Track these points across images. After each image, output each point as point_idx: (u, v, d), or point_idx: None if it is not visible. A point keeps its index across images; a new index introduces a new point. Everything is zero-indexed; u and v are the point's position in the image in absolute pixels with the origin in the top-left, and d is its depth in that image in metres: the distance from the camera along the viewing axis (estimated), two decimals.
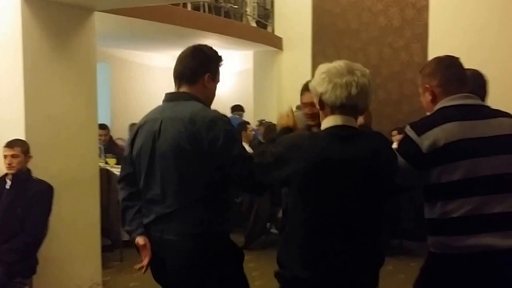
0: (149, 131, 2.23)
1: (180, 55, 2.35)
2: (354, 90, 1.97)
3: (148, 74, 9.49)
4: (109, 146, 6.23)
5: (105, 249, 4.66)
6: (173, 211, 2.18)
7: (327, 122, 2.00)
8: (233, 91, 9.42)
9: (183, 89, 2.29)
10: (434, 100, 2.19)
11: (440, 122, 2.08)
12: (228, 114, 7.84)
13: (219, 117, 2.20)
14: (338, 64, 2.02)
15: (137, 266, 2.24)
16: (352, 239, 1.95)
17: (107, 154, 5.70)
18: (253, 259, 5.25)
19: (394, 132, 6.53)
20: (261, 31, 8.98)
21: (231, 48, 8.78)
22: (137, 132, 2.30)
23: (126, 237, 5.48)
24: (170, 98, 2.31)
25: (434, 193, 2.10)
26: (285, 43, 9.25)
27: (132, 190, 2.32)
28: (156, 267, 2.26)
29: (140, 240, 2.22)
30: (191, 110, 2.19)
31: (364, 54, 8.45)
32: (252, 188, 2.33)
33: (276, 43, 9.10)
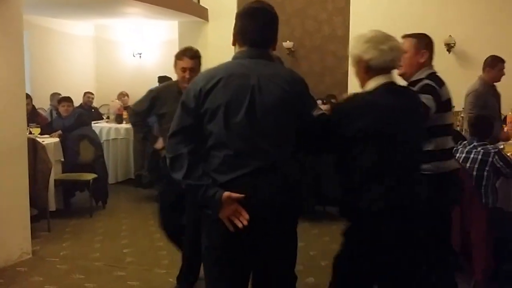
0: (241, 85, 2.19)
1: (253, 14, 2.31)
2: (396, 54, 2.45)
3: (69, 43, 9.22)
4: (32, 116, 6.08)
5: (32, 219, 4.61)
6: (273, 163, 2.19)
7: (377, 81, 2.41)
8: (158, 61, 9.32)
9: (261, 50, 2.31)
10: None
11: (442, 83, 3.09)
12: (155, 84, 7.81)
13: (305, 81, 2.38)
14: (376, 33, 2.47)
15: (242, 220, 2.12)
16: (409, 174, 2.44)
17: (30, 124, 5.56)
18: None
19: (319, 102, 6.80)
20: (187, 1, 8.93)
21: (156, 18, 8.69)
22: (215, 85, 2.19)
23: (53, 207, 5.48)
24: (254, 55, 2.28)
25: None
26: (211, 14, 9.25)
27: (195, 144, 2.21)
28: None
29: (229, 193, 2.13)
30: (287, 71, 2.39)
31: (288, 26, 8.63)
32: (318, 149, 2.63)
33: (201, 13, 9.08)
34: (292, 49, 8.61)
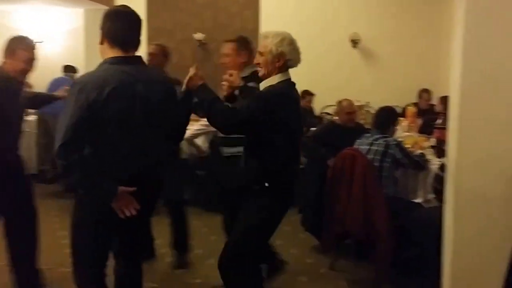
0: (131, 93, 2.42)
1: (125, 17, 2.51)
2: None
3: None
4: None
5: None
6: (159, 161, 2.63)
7: (284, 76, 2.83)
8: (62, 51, 8.92)
9: (132, 53, 2.52)
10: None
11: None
12: (59, 74, 7.48)
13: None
14: (288, 33, 2.87)
15: (132, 211, 2.45)
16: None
17: None
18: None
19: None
20: None
21: (59, 5, 8.30)
22: (108, 95, 2.34)
23: None
24: (133, 61, 2.51)
25: None
26: (119, 2, 8.98)
27: (85, 149, 2.39)
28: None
29: (124, 188, 2.42)
30: (160, 73, 2.85)
31: (199, 18, 8.56)
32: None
33: (107, 1, 8.77)
34: (203, 41, 8.56)
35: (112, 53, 2.47)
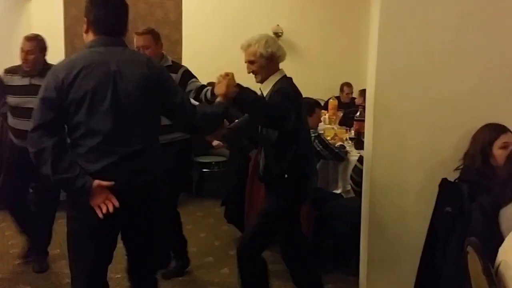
0: (103, 72, 2.23)
1: (111, 4, 2.38)
2: None
3: None
4: None
5: None
6: (139, 149, 2.30)
7: (281, 73, 3.03)
8: None
9: (116, 37, 2.36)
10: None
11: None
12: None
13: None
14: (266, 33, 3.05)
15: (104, 209, 2.19)
16: None
17: None
18: None
19: None
20: None
21: None
22: (76, 75, 2.20)
23: None
24: (110, 43, 2.33)
25: None
26: None
27: (58, 136, 2.21)
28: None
29: (99, 182, 2.20)
30: (145, 56, 2.53)
31: None
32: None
33: None
34: None
35: (90, 38, 2.37)
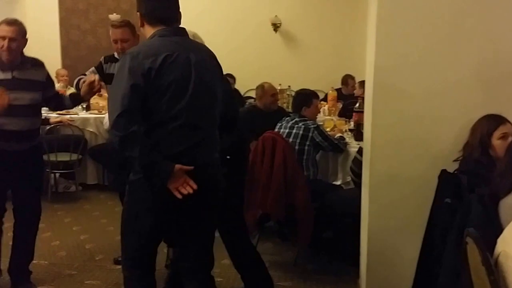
0: (185, 62, 2.33)
1: None
2: None
3: None
4: None
5: None
6: (208, 138, 2.43)
7: None
8: None
9: (181, 27, 2.45)
10: None
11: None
12: None
13: None
14: None
15: (188, 189, 2.26)
16: None
17: None
18: None
19: None
20: None
21: None
22: (162, 63, 2.27)
23: None
24: (179, 33, 2.42)
25: None
26: None
27: (141, 121, 2.25)
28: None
29: (180, 166, 2.27)
30: (203, 45, 2.59)
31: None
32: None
33: None
34: None
35: (155, 29, 2.41)
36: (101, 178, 6.14)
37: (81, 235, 4.62)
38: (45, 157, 5.41)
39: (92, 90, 3.28)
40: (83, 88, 3.27)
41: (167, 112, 2.30)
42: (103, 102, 6.29)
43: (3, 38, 3.10)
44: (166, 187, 2.27)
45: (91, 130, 6.06)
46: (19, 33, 3.15)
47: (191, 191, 2.28)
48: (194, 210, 2.42)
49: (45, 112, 4.07)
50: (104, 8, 8.23)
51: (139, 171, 2.33)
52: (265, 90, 4.97)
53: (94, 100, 6.40)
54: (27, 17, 8.15)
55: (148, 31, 2.42)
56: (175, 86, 2.30)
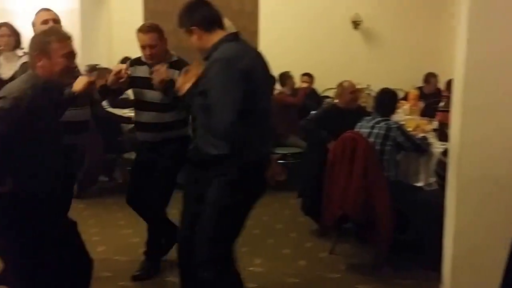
0: (260, 64, 2.56)
1: (204, 2, 2.61)
2: None
3: None
4: None
5: None
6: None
7: None
8: None
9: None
10: None
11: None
12: None
13: None
14: None
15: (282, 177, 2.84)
16: None
17: None
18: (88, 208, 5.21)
19: None
20: None
21: None
22: (251, 67, 2.45)
23: None
24: (240, 38, 2.60)
25: None
26: None
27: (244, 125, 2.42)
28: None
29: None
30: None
31: None
32: None
33: None
34: None
35: (217, 36, 2.55)
36: None
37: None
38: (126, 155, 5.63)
39: (119, 79, 3.30)
40: (110, 78, 3.32)
41: (259, 108, 2.48)
42: None
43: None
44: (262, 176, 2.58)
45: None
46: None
47: (283, 178, 2.84)
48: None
49: None
50: None
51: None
52: (344, 87, 4.88)
53: None
54: (113, 21, 8.51)
55: (208, 38, 2.55)
56: (261, 88, 2.49)
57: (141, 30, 3.45)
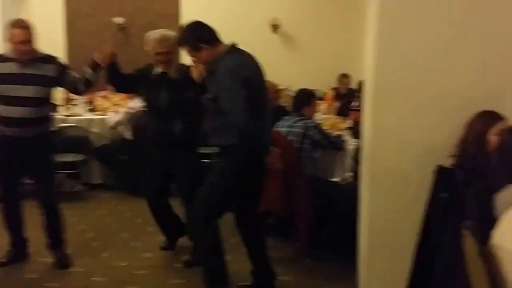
0: (258, 70, 3.19)
1: (200, 22, 3.19)
2: None
3: None
4: None
5: None
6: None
7: None
8: None
9: None
10: None
11: None
12: None
13: None
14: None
15: (278, 165, 3.27)
16: None
17: None
18: None
19: None
20: None
21: None
22: (254, 74, 3.11)
23: None
24: (238, 49, 3.20)
25: None
26: None
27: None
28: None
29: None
30: None
31: (119, 1, 8.36)
32: None
33: None
34: (123, 25, 8.37)
35: (219, 48, 3.10)
36: (105, 178, 6.20)
37: (86, 233, 4.70)
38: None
39: (108, 57, 3.68)
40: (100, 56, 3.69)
41: (260, 106, 3.05)
42: (107, 103, 6.38)
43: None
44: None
45: (95, 131, 6.11)
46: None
47: (279, 166, 3.26)
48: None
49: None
50: (108, 12, 8.30)
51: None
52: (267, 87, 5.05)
53: (98, 101, 6.50)
54: (33, 20, 8.21)
55: (214, 52, 3.08)
56: (261, 86, 3.13)
57: (16, 25, 3.56)
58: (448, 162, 2.82)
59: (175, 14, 8.08)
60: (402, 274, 2.95)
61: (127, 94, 5.71)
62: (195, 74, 3.43)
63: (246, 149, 3.04)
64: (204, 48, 3.08)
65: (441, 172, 2.77)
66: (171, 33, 3.73)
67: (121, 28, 8.32)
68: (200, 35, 3.09)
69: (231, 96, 2.94)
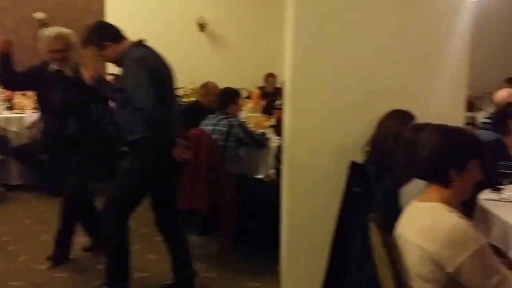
0: (163, 63, 3.27)
1: (104, 22, 3.41)
2: None
3: None
4: None
5: None
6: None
7: None
8: None
9: None
10: None
11: None
12: None
13: None
14: None
15: (186, 157, 3.29)
16: None
17: None
18: None
19: None
20: None
21: None
22: (157, 65, 3.18)
23: None
24: (144, 44, 3.26)
25: None
26: None
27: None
28: None
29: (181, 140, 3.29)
30: None
31: None
32: None
33: None
34: (45, 21, 8.12)
35: (124, 44, 3.19)
36: (25, 178, 6.01)
37: (3, 237, 4.55)
38: None
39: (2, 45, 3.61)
40: None
41: (166, 98, 3.13)
42: (27, 101, 6.18)
43: None
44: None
45: (14, 129, 5.91)
46: None
47: (187, 157, 3.33)
48: None
49: None
50: (29, 6, 8.02)
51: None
52: (209, 88, 5.12)
53: (17, 99, 6.27)
54: None
55: (119, 47, 3.17)
56: (167, 79, 3.22)
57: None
58: (360, 158, 2.96)
59: (100, 11, 7.94)
60: (321, 266, 3.06)
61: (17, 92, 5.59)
62: (86, 76, 3.34)
63: (152, 141, 3.07)
64: (109, 46, 3.17)
65: (354, 168, 2.90)
66: (67, 31, 3.75)
67: (42, 24, 8.05)
68: (103, 33, 3.19)
69: (136, 80, 3.00)
